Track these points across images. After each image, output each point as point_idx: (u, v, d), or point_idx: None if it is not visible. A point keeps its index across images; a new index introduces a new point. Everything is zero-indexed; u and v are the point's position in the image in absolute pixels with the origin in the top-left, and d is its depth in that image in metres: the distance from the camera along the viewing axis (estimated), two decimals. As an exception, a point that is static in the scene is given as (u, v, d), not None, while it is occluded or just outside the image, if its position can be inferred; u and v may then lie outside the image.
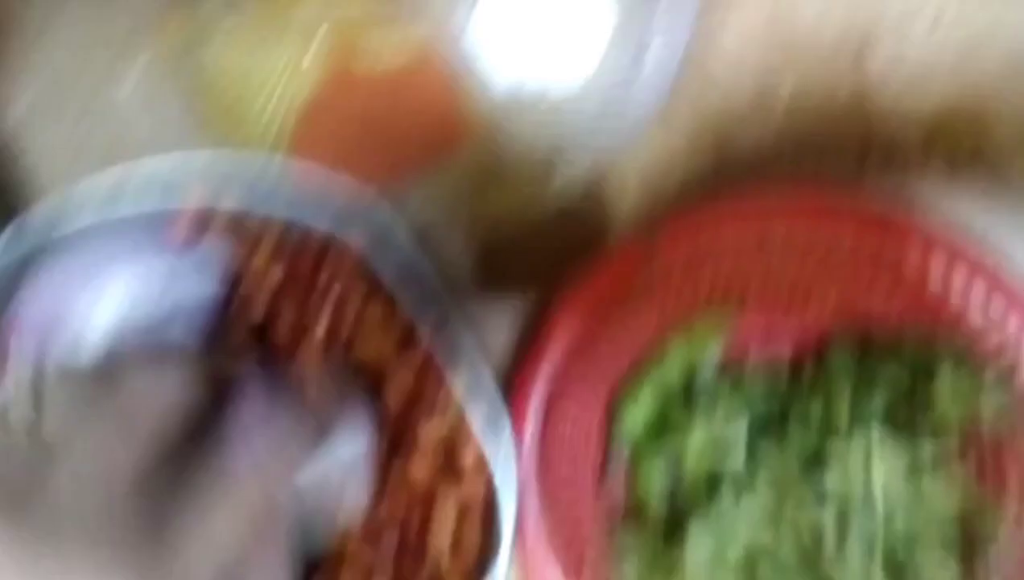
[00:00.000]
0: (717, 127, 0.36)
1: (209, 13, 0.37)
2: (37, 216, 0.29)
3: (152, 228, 0.29)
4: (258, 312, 0.29)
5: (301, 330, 0.29)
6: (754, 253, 0.33)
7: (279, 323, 0.29)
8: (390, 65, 0.37)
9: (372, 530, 0.28)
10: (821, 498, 0.30)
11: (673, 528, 0.31)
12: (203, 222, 0.30)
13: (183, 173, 0.30)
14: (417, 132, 0.36)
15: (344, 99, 0.37)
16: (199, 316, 0.28)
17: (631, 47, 0.35)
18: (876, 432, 0.30)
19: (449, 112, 0.36)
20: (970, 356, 0.30)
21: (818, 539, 0.30)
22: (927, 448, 0.30)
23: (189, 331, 0.28)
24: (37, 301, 0.28)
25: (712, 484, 0.31)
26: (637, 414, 0.33)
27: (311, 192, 0.29)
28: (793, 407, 0.32)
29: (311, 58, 0.37)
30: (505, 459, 0.27)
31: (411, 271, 0.29)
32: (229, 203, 0.30)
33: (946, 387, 0.30)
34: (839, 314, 0.33)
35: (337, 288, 0.30)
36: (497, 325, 0.34)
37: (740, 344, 0.33)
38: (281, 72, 0.37)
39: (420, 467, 0.28)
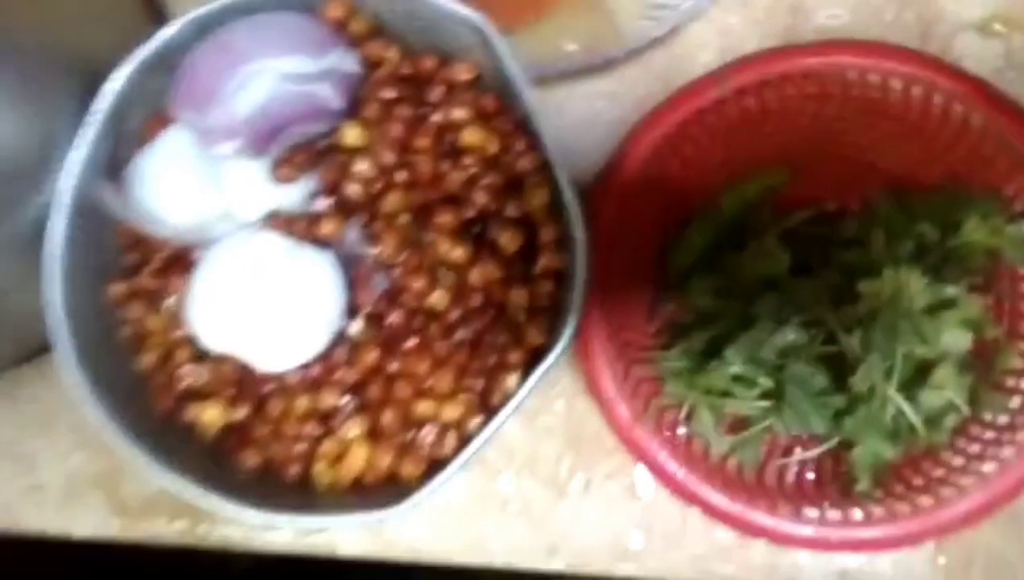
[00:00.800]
0: (798, 6, 0.40)
1: None
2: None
3: (297, 28, 0.34)
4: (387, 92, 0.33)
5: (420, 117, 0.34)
6: (812, 114, 0.36)
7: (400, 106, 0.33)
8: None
9: (461, 292, 0.33)
10: (847, 329, 0.34)
11: (712, 352, 0.35)
12: (341, 26, 0.34)
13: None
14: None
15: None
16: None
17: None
18: (905, 273, 0.33)
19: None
20: (996, 201, 0.33)
21: (841, 362, 0.34)
22: (950, 289, 0.33)
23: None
24: (193, 76, 0.33)
25: (751, 316, 0.35)
26: (692, 246, 0.37)
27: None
28: (831, 250, 0.35)
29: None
30: (580, 244, 0.31)
31: (512, 83, 0.32)
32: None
33: (972, 228, 0.33)
34: (882, 173, 0.36)
35: (451, 88, 0.34)
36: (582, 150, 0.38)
37: (790, 193, 0.37)
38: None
39: (508, 240, 0.32)
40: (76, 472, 0.42)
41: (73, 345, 0.33)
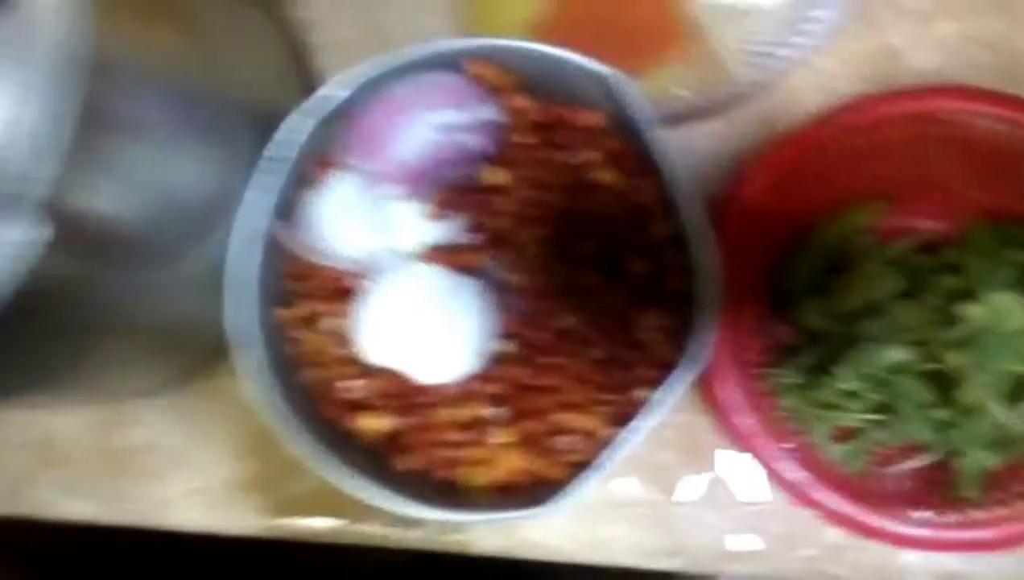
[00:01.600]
0: (893, 51, 0.43)
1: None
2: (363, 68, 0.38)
3: (448, 85, 0.38)
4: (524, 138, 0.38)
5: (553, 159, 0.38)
6: (913, 150, 0.39)
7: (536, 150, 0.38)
8: (618, -23, 0.45)
9: (594, 314, 0.37)
10: (950, 348, 0.37)
11: (822, 369, 0.38)
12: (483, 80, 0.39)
13: (468, 47, 0.38)
14: (639, 37, 0.44)
15: (578, 4, 0.46)
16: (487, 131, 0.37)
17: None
18: (1000, 297, 0.36)
19: (666, 19, 0.44)
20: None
21: (945, 378, 0.37)
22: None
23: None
24: (363, 129, 0.38)
25: (857, 336, 0.38)
26: (799, 272, 0.40)
27: (568, 59, 0.37)
28: (932, 275, 0.38)
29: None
30: (710, 266, 0.34)
31: (642, 127, 0.36)
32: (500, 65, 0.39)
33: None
34: (976, 204, 0.39)
35: (580, 131, 0.38)
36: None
37: (894, 221, 0.40)
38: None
39: (636, 266, 0.36)
40: (232, 476, 0.47)
41: (252, 361, 0.37)
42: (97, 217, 0.31)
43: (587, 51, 0.43)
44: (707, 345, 0.34)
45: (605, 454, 0.34)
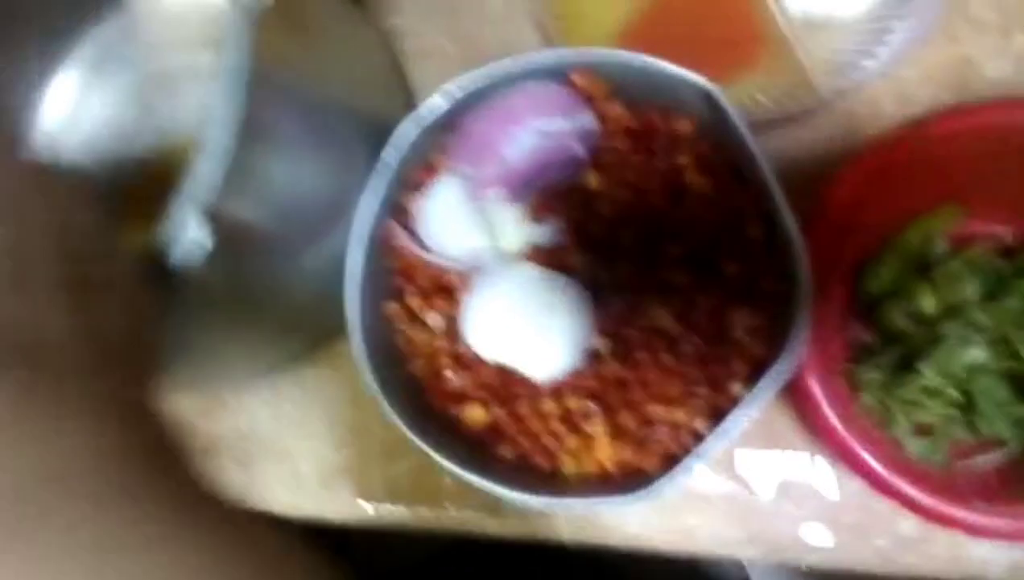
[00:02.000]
0: (969, 62, 0.45)
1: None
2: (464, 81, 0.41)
3: (550, 94, 0.40)
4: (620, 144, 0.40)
5: (648, 163, 0.40)
6: (990, 158, 0.41)
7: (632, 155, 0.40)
8: (704, -11, 0.47)
9: (688, 311, 0.39)
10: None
11: (903, 367, 0.40)
12: (583, 89, 0.41)
13: (568, 58, 0.40)
14: (723, 46, 0.46)
15: (664, 15, 0.48)
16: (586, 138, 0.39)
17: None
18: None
19: (751, 30, 0.46)
20: None
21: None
22: None
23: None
24: (471, 136, 0.40)
25: (938, 336, 0.40)
26: (881, 275, 0.42)
27: (665, 69, 0.39)
28: (1011, 278, 0.40)
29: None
30: (806, 268, 0.36)
31: (736, 133, 0.38)
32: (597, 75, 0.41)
33: None
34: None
35: (674, 137, 0.40)
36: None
37: (970, 227, 0.42)
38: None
39: (729, 267, 0.38)
40: (328, 463, 0.50)
41: (365, 350, 0.40)
42: (239, 218, 0.33)
43: (673, 60, 0.45)
44: (802, 344, 0.36)
45: (705, 444, 0.36)
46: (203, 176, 0.28)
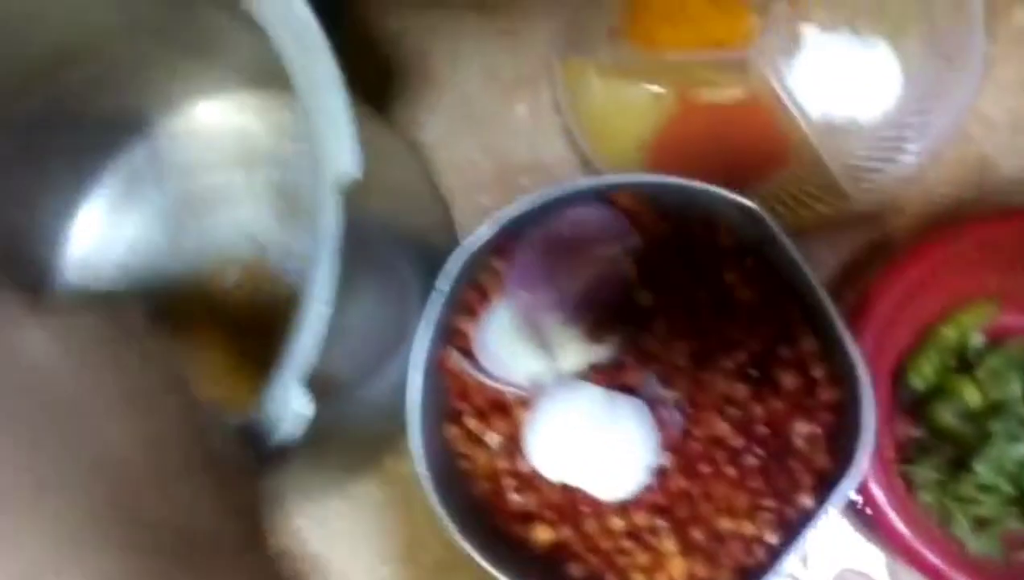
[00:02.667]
0: (985, 159, 0.47)
1: (590, 56, 0.50)
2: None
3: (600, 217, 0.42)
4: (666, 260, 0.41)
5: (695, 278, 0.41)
6: (1021, 257, 0.43)
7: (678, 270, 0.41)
8: (728, 98, 0.49)
9: (747, 424, 0.40)
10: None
11: (958, 465, 0.41)
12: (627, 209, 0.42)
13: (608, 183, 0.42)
14: (749, 152, 0.48)
15: (690, 124, 0.49)
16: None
17: (921, 91, 0.46)
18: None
19: (775, 136, 0.47)
20: None
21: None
22: None
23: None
24: (526, 263, 0.41)
25: (988, 432, 0.41)
26: (923, 369, 0.43)
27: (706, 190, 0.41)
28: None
29: (666, 91, 0.50)
30: (865, 379, 0.37)
31: (782, 248, 0.40)
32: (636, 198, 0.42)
33: None
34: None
35: (719, 251, 0.42)
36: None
37: (1004, 320, 0.44)
38: (642, 102, 0.50)
39: (786, 379, 0.40)
40: (379, 578, 0.49)
41: (430, 478, 0.40)
42: (323, 373, 0.33)
43: (701, 168, 0.47)
44: (868, 452, 0.37)
45: (782, 560, 0.37)
46: (305, 349, 0.28)
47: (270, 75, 0.49)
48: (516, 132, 0.52)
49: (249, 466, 0.27)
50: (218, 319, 0.53)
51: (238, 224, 0.53)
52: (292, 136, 0.52)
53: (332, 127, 0.29)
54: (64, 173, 0.52)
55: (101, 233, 0.54)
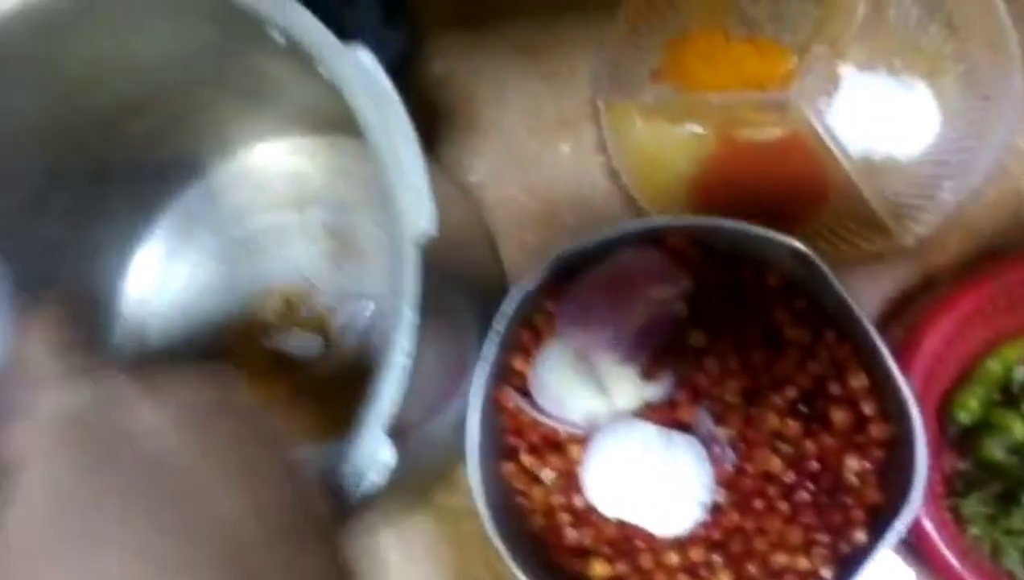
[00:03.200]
0: (1018, 190, 0.48)
1: (634, 98, 0.51)
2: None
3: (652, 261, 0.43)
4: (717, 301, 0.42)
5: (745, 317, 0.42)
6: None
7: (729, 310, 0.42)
8: (768, 136, 0.50)
9: (799, 459, 0.41)
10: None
11: (1008, 498, 0.42)
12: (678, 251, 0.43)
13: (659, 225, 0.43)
14: (790, 188, 0.49)
15: (731, 162, 0.51)
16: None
17: (960, 129, 0.47)
18: None
19: (816, 172, 0.49)
20: None
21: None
22: None
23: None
24: (580, 304, 0.43)
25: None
26: (969, 404, 0.44)
27: (748, 230, 0.42)
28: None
29: (706, 130, 0.51)
30: (916, 417, 0.38)
31: (831, 288, 0.41)
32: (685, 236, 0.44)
33: None
34: None
35: (768, 290, 0.43)
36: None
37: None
38: (684, 141, 0.51)
39: (838, 416, 0.40)
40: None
41: (487, 508, 0.41)
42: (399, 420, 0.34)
43: (743, 205, 0.48)
44: (922, 488, 0.38)
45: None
46: (389, 401, 0.30)
47: (323, 119, 0.51)
48: (560, 171, 0.53)
49: (337, 515, 0.28)
50: (269, 355, 0.54)
51: (290, 263, 0.54)
52: (344, 178, 0.54)
53: (410, 187, 0.30)
54: (124, 217, 0.54)
55: (158, 273, 0.56)
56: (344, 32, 0.33)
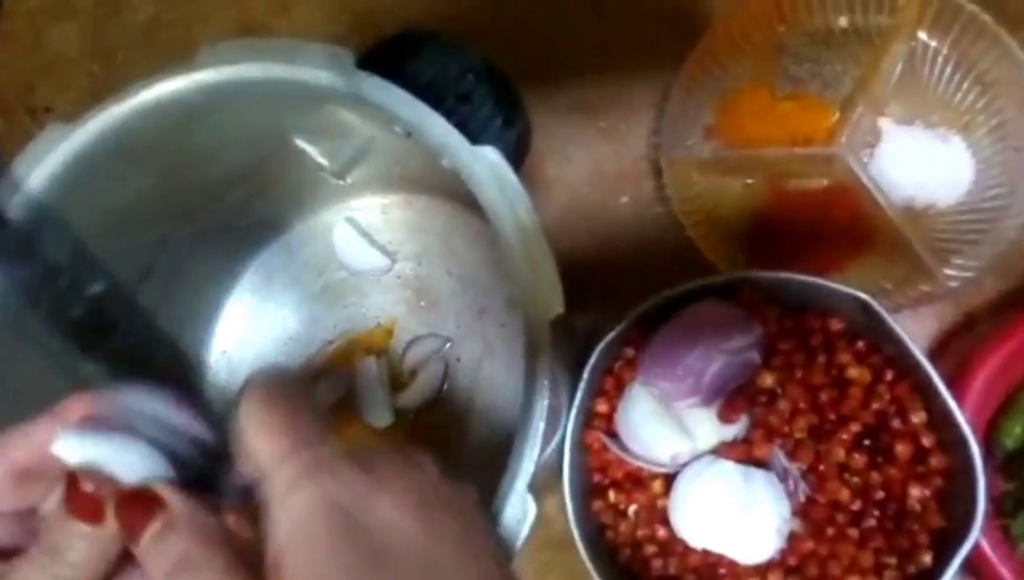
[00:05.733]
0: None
1: (691, 154, 0.56)
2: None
3: (726, 313, 0.47)
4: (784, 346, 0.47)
5: (811, 360, 0.46)
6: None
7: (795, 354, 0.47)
8: (817, 185, 0.54)
9: (866, 489, 0.45)
10: None
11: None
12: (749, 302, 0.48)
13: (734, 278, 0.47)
14: (839, 235, 0.53)
15: (782, 210, 0.55)
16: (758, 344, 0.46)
17: (994, 179, 0.52)
18: None
19: (863, 219, 0.53)
20: None
21: None
22: None
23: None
24: (660, 354, 0.47)
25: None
26: (1013, 430, 0.48)
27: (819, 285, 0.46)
28: None
29: (758, 182, 0.55)
30: (974, 448, 0.42)
31: (894, 333, 0.45)
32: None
33: None
34: None
35: (831, 335, 0.47)
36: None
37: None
38: (737, 192, 0.55)
39: (901, 449, 0.45)
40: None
41: (584, 543, 0.45)
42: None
43: (796, 251, 0.52)
44: (983, 512, 0.42)
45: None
46: (531, 460, 0.34)
47: (403, 178, 0.55)
48: (621, 223, 0.57)
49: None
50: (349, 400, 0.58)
51: (367, 312, 0.58)
52: (417, 232, 0.58)
53: (541, 274, 0.34)
54: (214, 276, 0.57)
55: (242, 327, 0.59)
56: (465, 127, 0.37)
